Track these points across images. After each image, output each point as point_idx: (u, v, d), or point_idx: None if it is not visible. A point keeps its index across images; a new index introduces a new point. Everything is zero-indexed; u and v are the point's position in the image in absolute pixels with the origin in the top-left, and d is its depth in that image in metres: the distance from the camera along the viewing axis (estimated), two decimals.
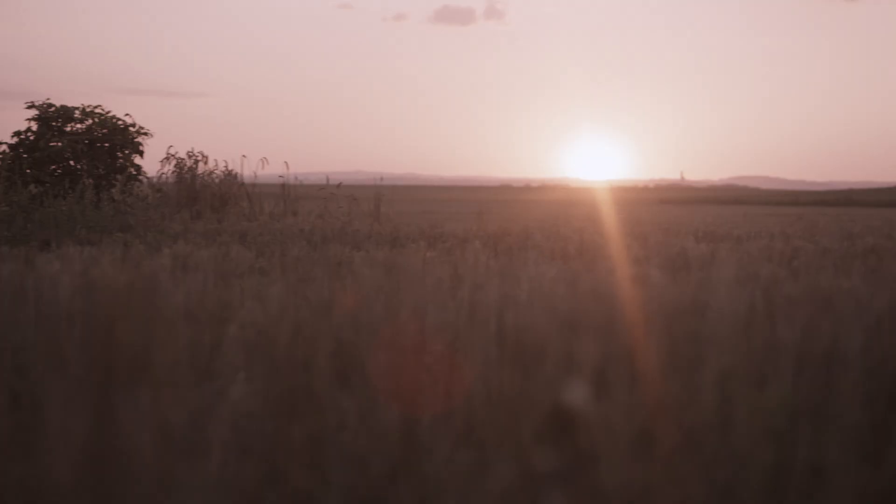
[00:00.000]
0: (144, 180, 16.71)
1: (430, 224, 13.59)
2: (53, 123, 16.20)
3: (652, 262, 7.29)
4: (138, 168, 16.58)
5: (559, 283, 4.60)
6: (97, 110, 16.50)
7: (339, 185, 17.26)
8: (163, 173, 16.77)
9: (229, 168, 16.89)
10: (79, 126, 16.36)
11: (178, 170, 16.63)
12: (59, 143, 15.93)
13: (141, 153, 16.58)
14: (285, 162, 17.50)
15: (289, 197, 16.93)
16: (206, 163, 16.71)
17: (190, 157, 16.75)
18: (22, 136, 16.17)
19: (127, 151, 16.42)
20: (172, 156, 16.78)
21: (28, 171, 15.72)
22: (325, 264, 7.71)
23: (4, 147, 16.00)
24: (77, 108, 16.44)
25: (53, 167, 15.98)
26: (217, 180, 16.60)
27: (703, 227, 14.73)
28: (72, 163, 16.07)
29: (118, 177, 16.11)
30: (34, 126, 16.24)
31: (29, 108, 16.38)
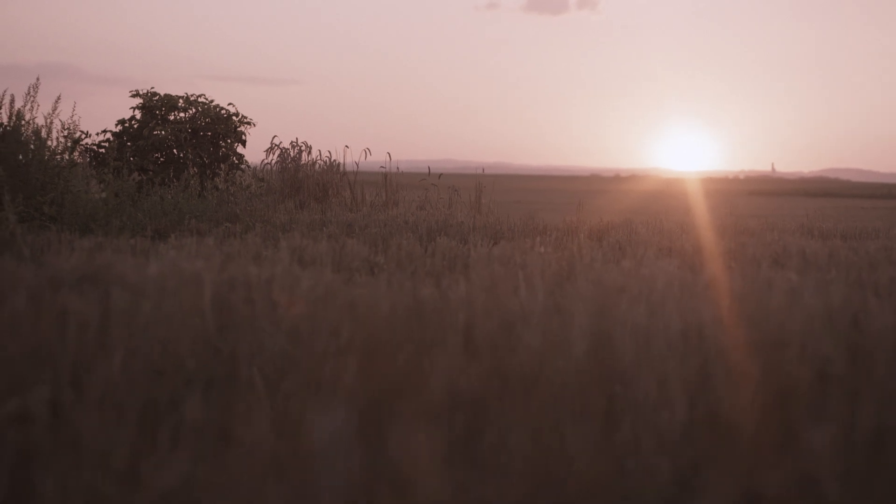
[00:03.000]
0: (246, 169, 16.80)
1: (527, 215, 13.51)
2: (157, 112, 16.35)
3: (782, 264, 7.19)
4: (240, 157, 16.68)
5: (697, 286, 4.54)
6: (200, 99, 16.64)
7: (440, 176, 17.26)
8: (266, 163, 16.85)
9: (332, 158, 16.93)
10: (182, 115, 16.50)
11: (281, 159, 16.70)
12: (163, 132, 16.06)
13: (244, 142, 16.68)
14: (388, 153, 17.51)
15: (390, 187, 16.92)
16: (309, 153, 16.77)
17: (293, 146, 16.81)
18: (126, 125, 16.33)
19: (229, 140, 16.53)
20: (277, 146, 16.85)
21: (132, 158, 15.86)
22: (440, 259, 7.70)
23: (108, 135, 16.16)
24: (181, 97, 16.58)
25: (157, 155, 16.13)
26: (319, 169, 16.64)
27: (805, 221, 14.51)
28: (175, 151, 16.21)
29: (221, 166, 16.22)
30: (138, 115, 16.40)
31: (133, 96, 16.54)
